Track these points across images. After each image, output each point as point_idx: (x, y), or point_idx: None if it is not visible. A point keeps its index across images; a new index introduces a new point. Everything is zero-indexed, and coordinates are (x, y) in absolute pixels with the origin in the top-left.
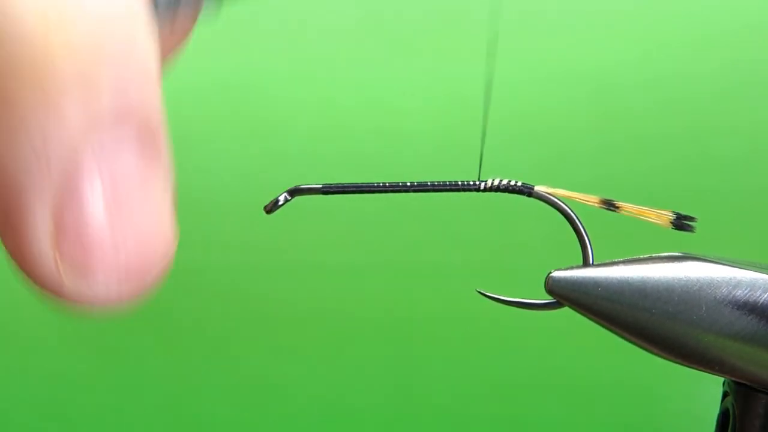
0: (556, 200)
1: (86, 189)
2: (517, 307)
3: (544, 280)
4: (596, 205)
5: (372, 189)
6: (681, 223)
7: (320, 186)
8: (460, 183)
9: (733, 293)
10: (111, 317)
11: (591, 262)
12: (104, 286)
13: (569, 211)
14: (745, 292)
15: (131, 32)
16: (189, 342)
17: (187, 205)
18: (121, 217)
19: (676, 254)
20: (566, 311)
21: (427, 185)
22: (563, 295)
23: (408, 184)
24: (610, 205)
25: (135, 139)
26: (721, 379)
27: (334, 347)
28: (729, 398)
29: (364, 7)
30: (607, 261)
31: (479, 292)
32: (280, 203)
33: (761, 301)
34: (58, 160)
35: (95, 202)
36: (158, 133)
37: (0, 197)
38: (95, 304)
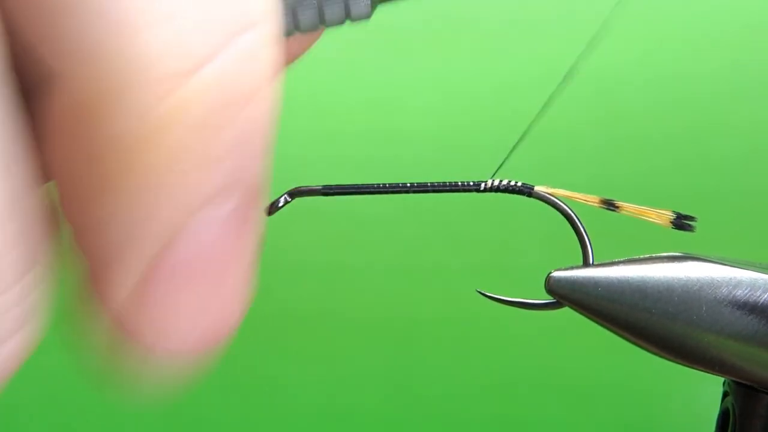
0: (556, 200)
1: (176, 263)
2: (517, 307)
3: (544, 280)
4: (596, 205)
5: (372, 190)
6: (681, 222)
7: (320, 187)
8: (460, 184)
9: (734, 293)
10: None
11: (591, 262)
12: (176, 351)
13: (569, 211)
14: (746, 292)
15: (258, 87)
16: None
17: None
18: (206, 290)
19: (676, 254)
20: (566, 311)
21: (427, 186)
22: (563, 295)
23: (408, 185)
24: (610, 205)
25: (235, 210)
26: (721, 379)
27: (334, 347)
28: (729, 398)
29: None
30: (607, 261)
31: (479, 292)
32: (280, 205)
33: (761, 301)
34: (153, 238)
35: (183, 277)
36: (258, 201)
37: (89, 255)
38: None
